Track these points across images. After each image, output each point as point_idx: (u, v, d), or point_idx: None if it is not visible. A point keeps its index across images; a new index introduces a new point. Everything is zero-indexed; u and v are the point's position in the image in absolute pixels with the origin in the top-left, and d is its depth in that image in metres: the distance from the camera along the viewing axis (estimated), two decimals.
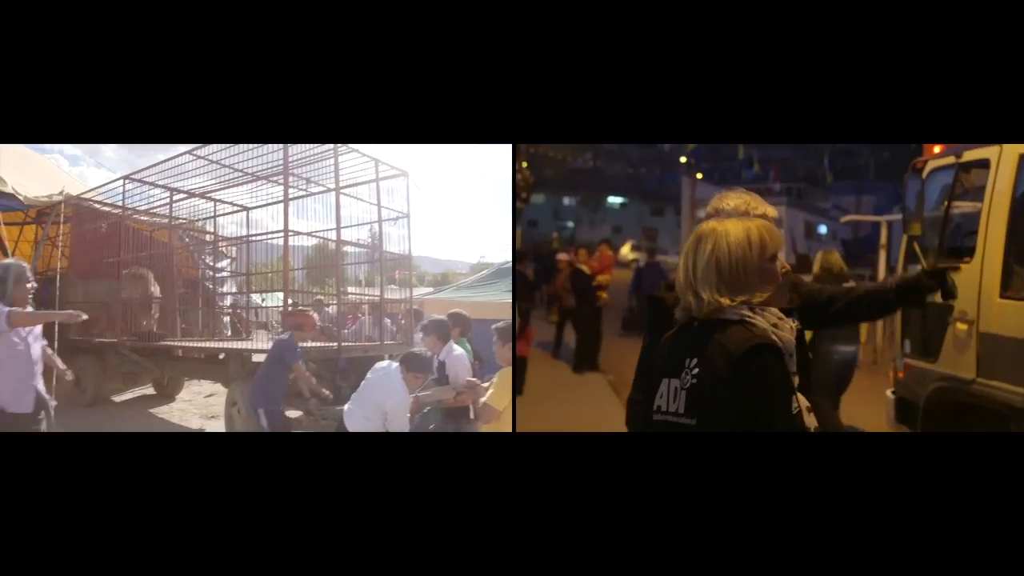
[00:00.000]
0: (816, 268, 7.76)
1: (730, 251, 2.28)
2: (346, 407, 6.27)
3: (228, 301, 13.79)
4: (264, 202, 11.57)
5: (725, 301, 2.25)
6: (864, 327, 10.89)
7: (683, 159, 40.64)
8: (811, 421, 2.36)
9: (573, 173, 48.93)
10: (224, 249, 13.73)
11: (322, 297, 12.29)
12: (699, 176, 34.65)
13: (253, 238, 11.77)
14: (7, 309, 5.22)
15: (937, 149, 5.73)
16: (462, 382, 6.57)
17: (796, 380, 2.33)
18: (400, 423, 5.92)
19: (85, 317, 5.95)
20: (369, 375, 6.27)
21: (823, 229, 26.21)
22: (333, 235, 10.78)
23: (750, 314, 2.25)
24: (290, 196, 9.78)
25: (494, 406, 5.45)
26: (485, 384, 6.03)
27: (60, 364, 6.14)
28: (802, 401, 2.33)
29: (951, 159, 5.36)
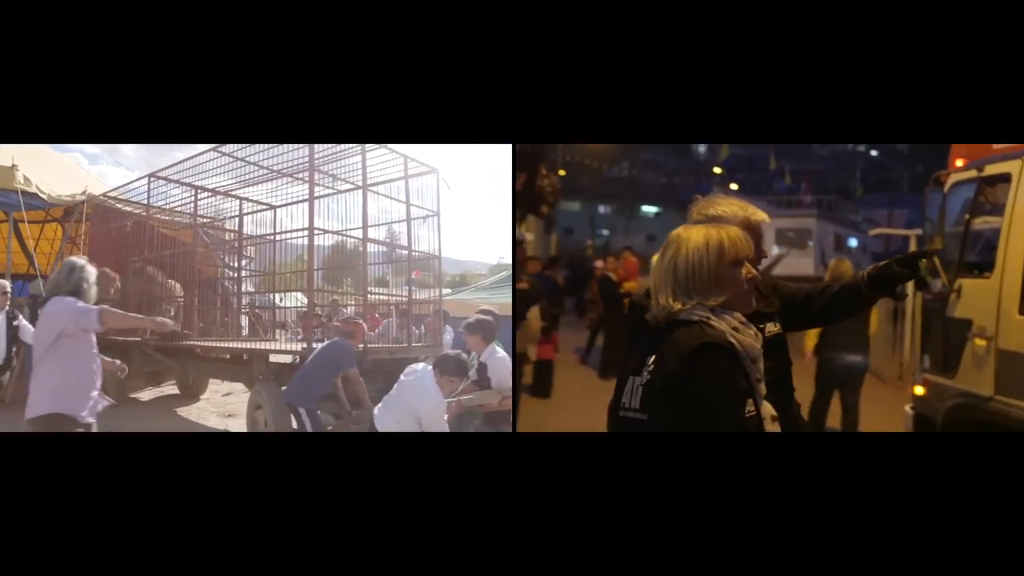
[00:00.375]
0: (827, 276, 7.71)
1: (688, 256, 2.31)
2: (376, 411, 5.86)
3: (245, 301, 12.97)
4: (288, 200, 11.01)
5: (677, 305, 2.29)
6: (882, 338, 10.70)
7: (717, 170, 40.48)
8: (774, 429, 2.34)
9: (609, 182, 48.99)
10: (234, 249, 12.96)
11: (338, 298, 11.71)
12: (734, 186, 34.46)
13: (277, 237, 10.99)
14: (97, 307, 4.77)
15: (960, 163, 5.52)
16: (508, 385, 6.23)
17: (762, 386, 2.31)
18: (436, 428, 5.52)
19: (175, 326, 5.73)
20: (402, 378, 5.82)
21: (853, 242, 25.67)
22: (358, 234, 10.17)
23: (709, 316, 2.26)
24: (316, 194, 9.21)
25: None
26: None
27: (109, 360, 5.58)
28: (767, 409, 2.32)
29: (973, 173, 5.20)
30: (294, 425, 7.65)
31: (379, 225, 10.51)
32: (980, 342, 4.80)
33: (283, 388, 8.16)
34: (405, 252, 10.48)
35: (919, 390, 5.74)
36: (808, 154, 41.47)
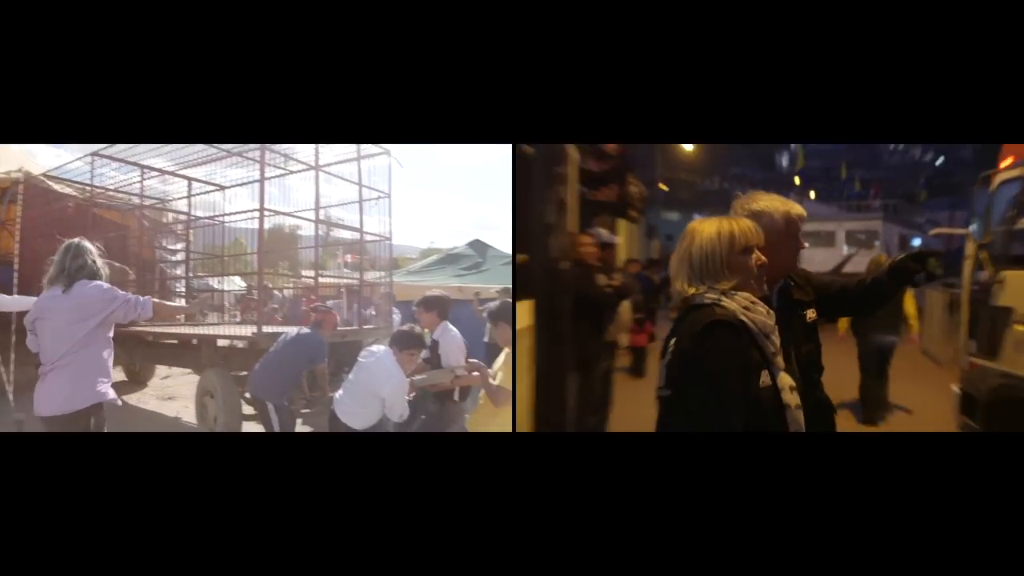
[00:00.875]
0: (865, 269, 8.19)
1: (702, 245, 2.30)
2: (337, 396, 5.21)
3: (183, 284, 11.09)
4: (233, 181, 9.47)
5: (691, 290, 2.27)
6: (939, 326, 10.52)
7: (797, 180, 40.59)
8: (792, 398, 2.25)
9: (704, 194, 48.88)
10: (180, 231, 11.13)
11: (269, 283, 10.12)
12: (812, 194, 34.52)
13: (226, 218, 9.38)
14: (149, 299, 4.17)
15: (1006, 161, 5.28)
16: (459, 364, 5.43)
17: (779, 359, 2.26)
18: (400, 408, 4.92)
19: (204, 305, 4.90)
20: (360, 361, 5.17)
21: (916, 241, 25.01)
22: (307, 215, 9.03)
23: (719, 298, 2.22)
24: (267, 175, 7.93)
25: (508, 388, 4.25)
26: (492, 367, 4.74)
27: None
28: (784, 379, 2.25)
29: (1018, 171, 4.97)
30: (249, 411, 6.87)
31: (330, 207, 9.42)
32: (1020, 328, 4.62)
33: (233, 374, 7.43)
34: (344, 234, 9.47)
35: (966, 371, 5.54)
36: (877, 163, 40.99)
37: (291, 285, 10.02)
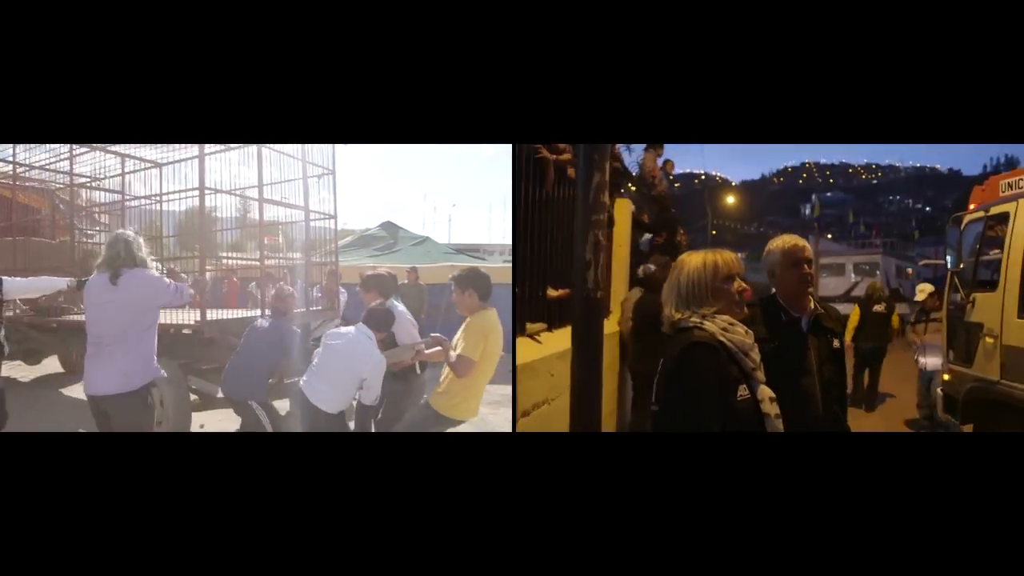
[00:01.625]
0: (865, 291, 8.78)
1: (689, 274, 2.12)
2: (303, 380, 4.13)
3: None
4: (164, 156, 7.06)
5: (677, 315, 2.09)
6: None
7: (816, 225, 41.20)
8: (771, 408, 2.03)
9: (744, 236, 49.91)
10: (97, 215, 8.41)
11: (175, 267, 6.59)
12: (829, 236, 35.49)
13: (165, 197, 6.92)
14: (187, 286, 3.62)
15: (972, 206, 5.17)
16: (416, 339, 4.43)
17: (760, 373, 2.05)
18: (375, 391, 4.00)
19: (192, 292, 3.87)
20: (330, 343, 4.12)
21: (909, 269, 24.80)
22: (251, 193, 6.80)
23: (701, 321, 2.05)
24: (207, 151, 5.98)
25: (470, 356, 3.71)
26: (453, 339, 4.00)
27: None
28: (764, 391, 2.04)
29: (981, 213, 4.94)
30: (184, 400, 5.49)
31: (273, 184, 6.84)
32: (989, 340, 4.48)
33: (178, 362, 5.74)
34: (277, 213, 7.13)
35: (946, 376, 5.39)
36: (879, 210, 40.64)
37: (210, 268, 7.03)
